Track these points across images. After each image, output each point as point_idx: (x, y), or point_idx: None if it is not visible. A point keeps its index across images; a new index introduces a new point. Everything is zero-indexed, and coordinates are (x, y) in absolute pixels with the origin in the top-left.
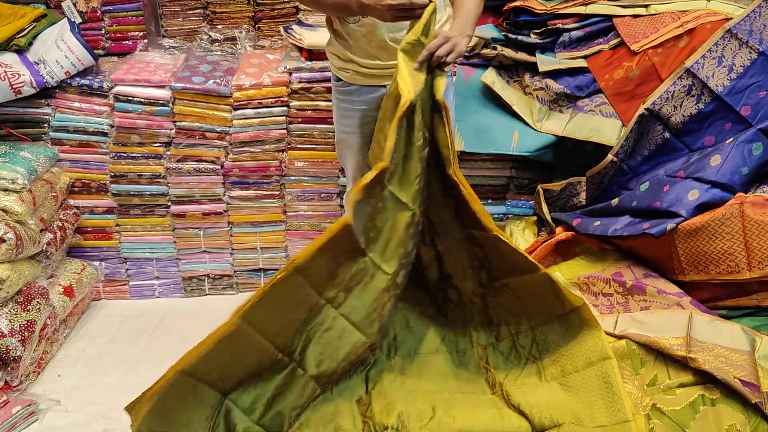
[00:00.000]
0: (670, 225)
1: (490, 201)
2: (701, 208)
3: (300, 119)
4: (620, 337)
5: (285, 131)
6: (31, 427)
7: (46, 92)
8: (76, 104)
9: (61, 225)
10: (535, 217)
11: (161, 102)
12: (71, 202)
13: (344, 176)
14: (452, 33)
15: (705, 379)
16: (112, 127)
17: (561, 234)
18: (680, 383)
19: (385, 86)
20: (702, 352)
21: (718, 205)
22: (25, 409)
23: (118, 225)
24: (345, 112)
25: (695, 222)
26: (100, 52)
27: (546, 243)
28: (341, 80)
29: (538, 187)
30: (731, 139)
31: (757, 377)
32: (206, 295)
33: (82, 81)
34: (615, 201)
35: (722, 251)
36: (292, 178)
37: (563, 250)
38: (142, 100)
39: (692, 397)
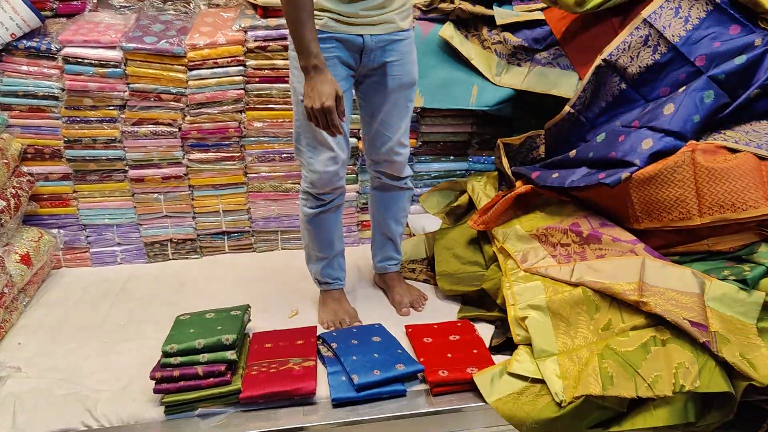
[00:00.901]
0: (624, 174)
1: (452, 158)
2: (655, 156)
3: (257, 79)
4: (576, 285)
5: (242, 91)
6: None
7: None
8: (24, 68)
9: (14, 192)
10: (496, 172)
11: (113, 63)
12: (24, 169)
13: None
14: None
15: (656, 321)
16: (63, 90)
17: (521, 188)
18: (633, 326)
19: (360, 36)
20: (653, 296)
21: (671, 153)
22: None
23: (75, 191)
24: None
25: (648, 171)
26: (48, 13)
27: (506, 197)
28: None
29: (499, 141)
30: (684, 87)
31: (706, 318)
32: (170, 259)
33: (29, 43)
34: (573, 153)
35: (674, 198)
36: (252, 139)
37: (523, 204)
38: (93, 61)
39: (644, 339)
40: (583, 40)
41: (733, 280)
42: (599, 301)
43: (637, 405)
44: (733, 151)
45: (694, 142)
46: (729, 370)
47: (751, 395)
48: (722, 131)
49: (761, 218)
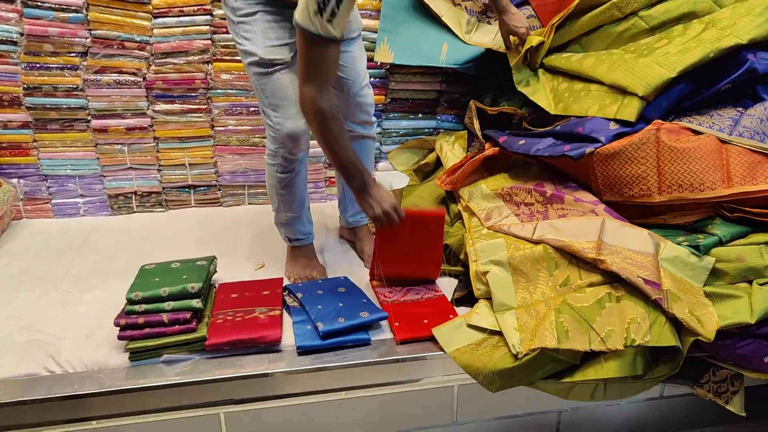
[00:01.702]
0: (588, 149)
1: (420, 115)
2: (619, 136)
3: (225, 29)
4: (538, 242)
5: (209, 41)
6: None
7: None
8: None
9: None
10: (465, 132)
11: (74, 8)
12: None
13: None
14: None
15: (612, 279)
16: (22, 35)
17: (488, 150)
18: (590, 283)
19: None
20: (611, 255)
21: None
22: None
23: (35, 141)
24: (266, 24)
25: (613, 146)
26: None
27: (474, 159)
28: None
29: (472, 102)
30: None
31: (659, 276)
32: (134, 212)
33: None
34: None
35: (636, 175)
36: (219, 91)
37: (490, 166)
38: (53, 5)
39: (599, 295)
40: (554, 1)
41: (687, 245)
42: (559, 258)
43: (589, 358)
44: (697, 133)
45: (659, 121)
46: (678, 327)
47: (696, 351)
48: (689, 114)
49: (717, 200)
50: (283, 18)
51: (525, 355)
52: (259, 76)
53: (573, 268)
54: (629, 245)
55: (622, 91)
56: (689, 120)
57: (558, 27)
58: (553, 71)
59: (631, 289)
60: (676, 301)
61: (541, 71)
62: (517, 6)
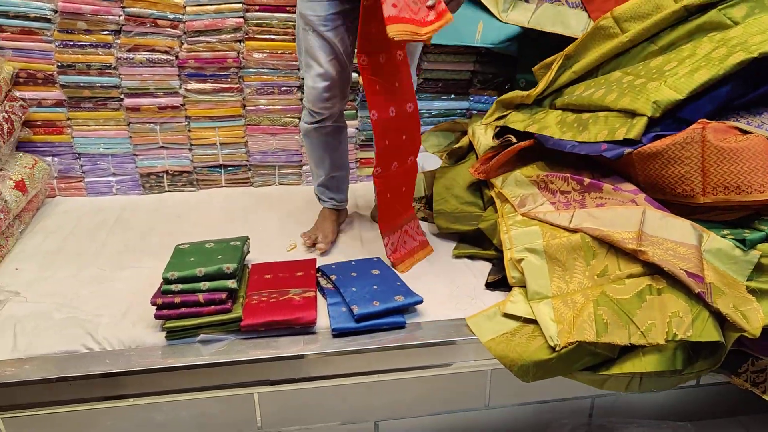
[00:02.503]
0: (627, 150)
1: (453, 96)
2: (659, 137)
3: (257, 7)
4: (575, 231)
5: (242, 20)
6: None
7: None
8: None
9: (7, 117)
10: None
11: None
12: (17, 93)
13: None
14: None
15: (653, 270)
16: (56, 12)
17: (523, 142)
18: (629, 274)
19: None
20: (652, 246)
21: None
22: None
23: (68, 119)
24: None
25: (656, 146)
26: None
27: (508, 149)
28: None
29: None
30: None
31: (702, 269)
32: (165, 192)
33: None
34: None
35: (679, 176)
36: (251, 70)
37: (524, 155)
38: None
39: (640, 287)
40: None
41: (732, 239)
42: (597, 247)
43: (627, 350)
44: (745, 132)
45: (705, 120)
46: (721, 321)
47: (734, 344)
48: (736, 113)
49: (765, 202)
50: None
51: (562, 348)
52: (301, 31)
53: (611, 258)
54: (671, 236)
55: (632, 115)
56: (737, 119)
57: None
58: (562, 108)
59: (673, 282)
60: (720, 295)
61: (548, 109)
62: None
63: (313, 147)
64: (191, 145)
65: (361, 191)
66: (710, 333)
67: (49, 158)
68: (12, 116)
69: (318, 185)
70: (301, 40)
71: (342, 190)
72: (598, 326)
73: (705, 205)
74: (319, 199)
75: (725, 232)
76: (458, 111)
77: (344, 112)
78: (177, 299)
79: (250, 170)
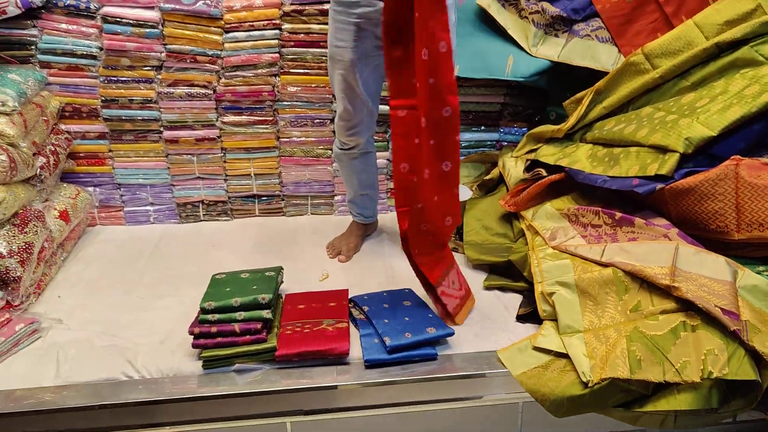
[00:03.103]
0: (659, 186)
1: (483, 128)
2: (692, 173)
3: (293, 43)
4: (607, 265)
5: (277, 55)
6: (35, 344)
7: (31, 13)
8: (63, 26)
9: (53, 149)
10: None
11: (150, 24)
12: (63, 127)
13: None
14: None
15: (686, 306)
16: (101, 49)
17: (554, 176)
18: (663, 310)
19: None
20: (685, 282)
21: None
22: (27, 327)
23: (110, 151)
24: (340, 24)
25: (688, 182)
26: None
27: (539, 182)
28: None
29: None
30: None
31: (737, 306)
32: (201, 221)
33: (69, 1)
34: None
35: (712, 212)
36: (285, 103)
37: (555, 188)
38: (131, 21)
39: (674, 323)
40: (624, 12)
41: None
42: (629, 282)
43: (661, 387)
44: None
45: (738, 156)
46: (757, 359)
47: None
48: None
49: None
50: (351, 24)
51: (595, 384)
52: (330, 69)
53: (644, 293)
54: (705, 272)
55: (663, 150)
56: None
57: (601, 92)
58: (593, 142)
59: (707, 318)
60: (756, 333)
61: (579, 143)
62: (586, 19)
63: (343, 168)
64: (226, 175)
65: (391, 221)
66: (746, 371)
67: (90, 188)
68: (58, 149)
69: (348, 201)
70: (331, 81)
71: (369, 207)
72: (631, 363)
73: (740, 241)
74: (351, 213)
75: (761, 268)
76: (488, 142)
77: (375, 143)
78: (214, 329)
79: (283, 200)
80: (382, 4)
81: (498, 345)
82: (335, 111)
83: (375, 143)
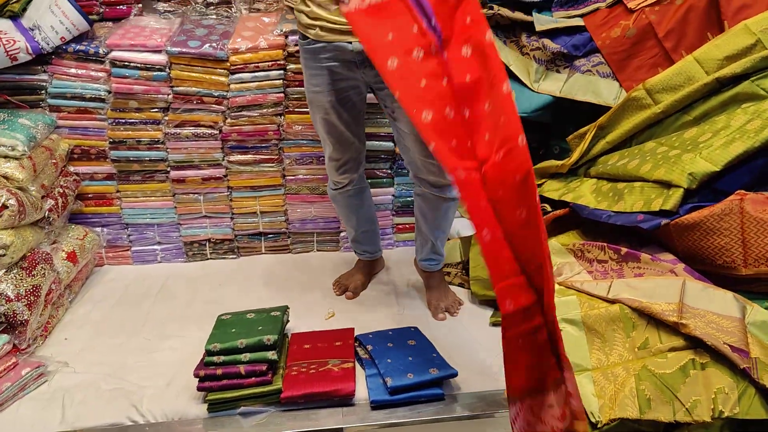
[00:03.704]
0: (663, 221)
1: None
2: (696, 208)
3: (297, 82)
4: (613, 302)
5: (282, 95)
6: (41, 388)
7: (42, 58)
8: (73, 70)
9: (62, 191)
10: None
11: (158, 67)
12: (71, 168)
13: None
14: None
15: (695, 343)
16: (110, 93)
17: (558, 211)
18: (671, 347)
19: (351, 42)
20: (693, 318)
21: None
22: (34, 371)
23: (118, 191)
24: (313, 71)
25: (693, 217)
26: (95, 17)
27: (543, 218)
28: (308, 38)
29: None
30: None
31: (747, 343)
32: (208, 259)
33: (78, 47)
34: None
35: (719, 247)
36: (291, 141)
37: (560, 223)
38: (139, 65)
39: (683, 361)
40: (624, 48)
41: None
42: (636, 319)
43: (672, 427)
44: None
45: (743, 191)
46: None
47: None
48: None
49: None
50: (323, 68)
51: (604, 425)
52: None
53: (652, 330)
54: (713, 308)
55: (667, 185)
56: None
57: (604, 127)
58: (597, 177)
59: (717, 356)
60: (766, 371)
61: (583, 178)
62: (587, 54)
63: (341, 208)
64: (233, 214)
65: (397, 256)
66: (757, 411)
67: (98, 229)
68: (66, 191)
69: (351, 241)
70: (314, 124)
71: (373, 242)
72: (641, 402)
73: (747, 276)
74: (355, 252)
75: None
76: None
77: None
78: (219, 371)
79: (289, 237)
80: (351, 47)
81: (504, 384)
82: None
83: (380, 179)
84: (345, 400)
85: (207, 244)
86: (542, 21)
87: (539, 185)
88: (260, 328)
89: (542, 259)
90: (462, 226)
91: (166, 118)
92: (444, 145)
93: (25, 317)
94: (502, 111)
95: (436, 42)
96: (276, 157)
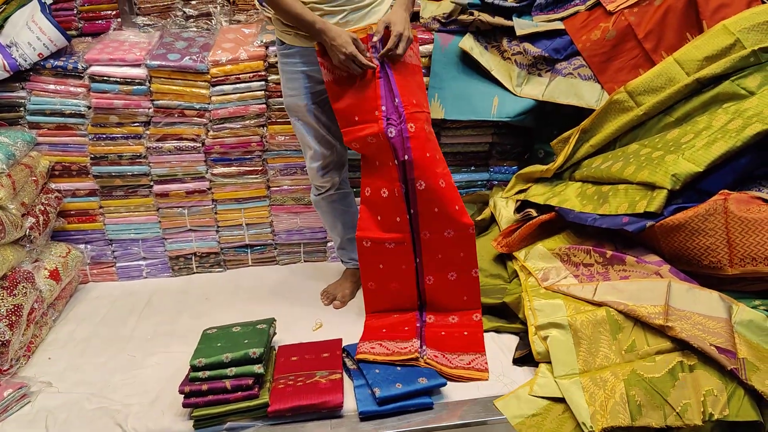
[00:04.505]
0: (648, 223)
1: (473, 168)
2: (681, 209)
3: (279, 93)
4: (599, 305)
5: (264, 106)
6: (24, 410)
7: (20, 75)
8: (52, 86)
9: (43, 209)
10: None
11: (138, 81)
12: (52, 185)
13: None
14: (394, 19)
15: (683, 345)
16: (90, 108)
17: (545, 216)
18: (658, 350)
19: None
20: (679, 321)
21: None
22: (16, 392)
23: (101, 207)
24: (290, 75)
25: (678, 218)
26: (73, 32)
27: (530, 223)
28: (284, 43)
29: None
30: None
31: (734, 344)
32: (194, 273)
33: (56, 63)
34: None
35: (704, 247)
36: (274, 152)
37: (546, 228)
38: (118, 79)
39: (671, 364)
40: (604, 50)
41: (764, 309)
42: (623, 321)
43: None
44: None
45: (726, 191)
46: (758, 398)
47: None
48: (758, 183)
49: None
50: (298, 72)
51: None
52: (293, 121)
53: (638, 332)
54: (699, 309)
55: (651, 187)
56: (759, 189)
57: (587, 131)
58: (582, 180)
59: (704, 357)
60: (754, 371)
61: (567, 181)
62: (568, 57)
63: (325, 215)
64: (218, 226)
65: None
66: (747, 412)
67: (82, 245)
68: (48, 208)
69: (337, 249)
70: (295, 132)
71: (351, 249)
72: (631, 408)
73: (734, 276)
74: (342, 261)
75: (756, 302)
76: (479, 182)
77: (352, 186)
78: (204, 386)
79: (275, 249)
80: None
81: (495, 390)
82: None
83: None
84: (333, 412)
85: (193, 257)
86: (523, 25)
87: (524, 190)
88: (246, 341)
89: None
90: None
91: (148, 132)
92: None
93: (7, 338)
94: None
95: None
96: (260, 168)
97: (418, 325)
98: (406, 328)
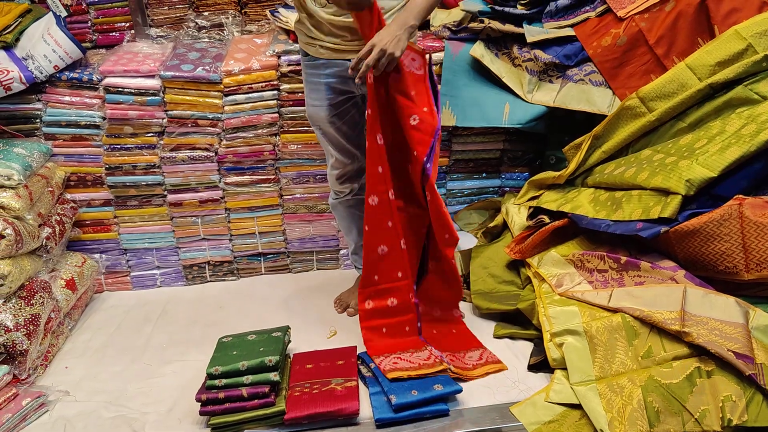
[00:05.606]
0: (663, 228)
1: (484, 175)
2: (695, 215)
3: (291, 102)
4: (615, 311)
5: (277, 115)
6: (42, 419)
7: (36, 87)
8: (67, 98)
9: (59, 219)
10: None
11: (152, 92)
12: (68, 196)
13: None
14: (383, 34)
15: (700, 350)
16: (104, 119)
17: (558, 222)
18: (675, 356)
19: (349, 60)
20: (696, 326)
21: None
22: (34, 401)
23: (116, 217)
24: (313, 85)
25: (692, 224)
26: (88, 44)
27: (543, 229)
28: (308, 54)
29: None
30: None
31: (751, 349)
32: (207, 282)
33: (72, 74)
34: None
35: (719, 253)
36: (287, 161)
37: (559, 234)
38: (133, 90)
39: (688, 370)
40: (616, 56)
41: None
42: (639, 327)
43: None
44: None
45: (741, 196)
46: None
47: None
48: None
49: None
50: (321, 84)
51: None
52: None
53: (655, 338)
54: (715, 314)
55: (665, 193)
56: None
57: (599, 137)
58: (594, 186)
59: (722, 362)
60: None
61: (580, 187)
62: (579, 64)
63: (341, 218)
64: (231, 235)
65: None
66: (766, 418)
67: (97, 255)
68: (63, 218)
69: (351, 253)
70: (318, 137)
71: None
72: (650, 415)
73: (750, 281)
74: (355, 267)
75: None
76: (491, 189)
77: None
78: (221, 394)
79: (288, 257)
80: (348, 64)
81: (510, 396)
82: None
83: None
84: (349, 419)
85: (206, 266)
86: (533, 32)
87: (537, 197)
88: (262, 349)
89: None
90: (462, 240)
91: (162, 142)
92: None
93: (25, 347)
94: None
95: None
96: (273, 177)
97: (417, 324)
98: (407, 329)
